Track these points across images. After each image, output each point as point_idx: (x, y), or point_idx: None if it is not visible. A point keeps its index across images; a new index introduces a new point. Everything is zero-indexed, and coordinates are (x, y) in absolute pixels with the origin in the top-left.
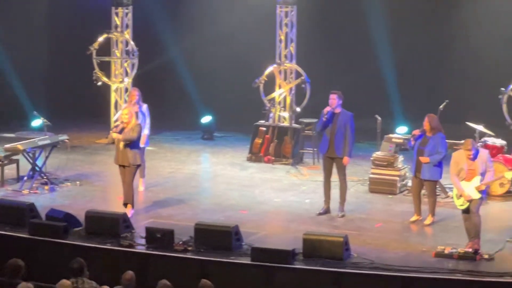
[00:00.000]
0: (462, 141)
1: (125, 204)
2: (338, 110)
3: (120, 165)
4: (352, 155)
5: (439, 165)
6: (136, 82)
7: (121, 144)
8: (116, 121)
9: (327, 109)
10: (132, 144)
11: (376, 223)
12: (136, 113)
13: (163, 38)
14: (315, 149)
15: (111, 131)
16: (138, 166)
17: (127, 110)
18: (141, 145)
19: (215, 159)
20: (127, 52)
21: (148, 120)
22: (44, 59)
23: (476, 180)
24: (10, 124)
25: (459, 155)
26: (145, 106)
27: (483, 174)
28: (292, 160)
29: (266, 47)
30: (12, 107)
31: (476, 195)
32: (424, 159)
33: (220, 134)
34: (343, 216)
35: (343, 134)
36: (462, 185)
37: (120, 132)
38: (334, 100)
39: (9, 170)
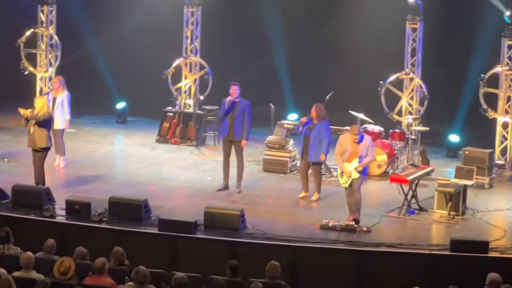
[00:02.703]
0: (346, 127)
1: (37, 184)
2: (237, 99)
3: (32, 149)
4: (248, 139)
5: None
6: (59, 72)
7: (31, 127)
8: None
9: (229, 98)
10: (42, 126)
11: (269, 198)
12: (54, 99)
13: (83, 32)
14: (216, 133)
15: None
16: (46, 149)
17: (39, 100)
18: (65, 128)
19: (128, 141)
20: (51, 45)
21: (67, 106)
22: None
23: (355, 162)
24: None
25: (345, 139)
26: (65, 94)
27: (362, 157)
28: (195, 142)
29: (174, 42)
30: None
31: (355, 175)
32: (322, 156)
33: (132, 119)
34: (240, 192)
35: (242, 120)
36: (344, 165)
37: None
38: (235, 90)
39: None
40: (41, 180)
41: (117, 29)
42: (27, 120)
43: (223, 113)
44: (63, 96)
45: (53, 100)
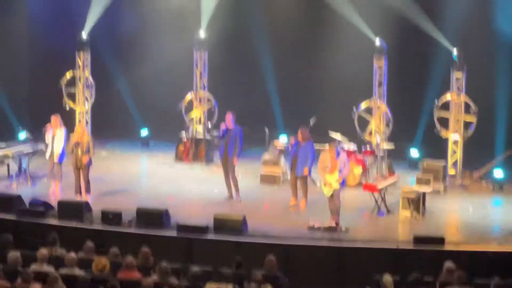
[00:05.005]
0: (327, 146)
1: (76, 193)
2: (231, 126)
3: (75, 167)
4: (239, 157)
5: (309, 165)
6: (94, 106)
7: (79, 152)
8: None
9: (223, 127)
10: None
11: (265, 205)
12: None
13: (113, 73)
14: None
15: (72, 144)
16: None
17: (80, 129)
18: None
19: (151, 161)
20: (87, 85)
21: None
22: (27, 89)
23: (336, 174)
24: (1, 137)
25: (325, 156)
26: (63, 129)
27: (341, 169)
28: (205, 161)
29: (187, 79)
30: (2, 124)
31: (336, 185)
32: (305, 170)
33: (154, 143)
34: (241, 201)
35: (234, 143)
36: (326, 177)
37: (76, 144)
38: (229, 117)
39: (1, 171)
40: (79, 189)
41: (141, 70)
42: (75, 146)
43: (219, 138)
44: (62, 132)
45: (52, 135)
